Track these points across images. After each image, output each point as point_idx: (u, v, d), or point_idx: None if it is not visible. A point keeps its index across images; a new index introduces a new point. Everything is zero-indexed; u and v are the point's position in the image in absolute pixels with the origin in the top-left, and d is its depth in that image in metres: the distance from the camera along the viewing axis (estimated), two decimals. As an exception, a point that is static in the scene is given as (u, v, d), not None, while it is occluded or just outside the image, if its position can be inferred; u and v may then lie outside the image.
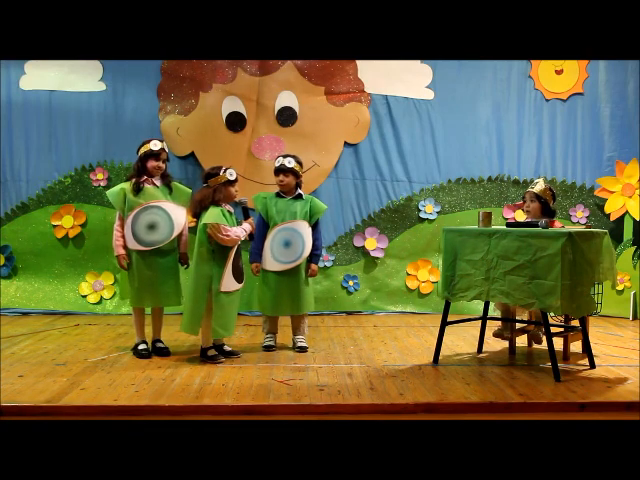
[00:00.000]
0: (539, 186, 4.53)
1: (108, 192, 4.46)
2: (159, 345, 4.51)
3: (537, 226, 4.01)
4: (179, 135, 6.29)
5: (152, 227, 4.34)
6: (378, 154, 6.48)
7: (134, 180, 4.36)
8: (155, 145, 4.34)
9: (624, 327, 5.68)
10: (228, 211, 4.28)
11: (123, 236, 4.35)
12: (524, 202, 4.61)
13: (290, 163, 4.56)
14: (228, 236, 4.13)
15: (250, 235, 4.37)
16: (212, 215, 4.14)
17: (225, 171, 4.22)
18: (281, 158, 4.60)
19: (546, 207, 4.52)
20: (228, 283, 4.20)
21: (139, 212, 4.32)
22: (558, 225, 4.52)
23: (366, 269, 6.48)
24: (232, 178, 4.23)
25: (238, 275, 4.27)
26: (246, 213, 4.37)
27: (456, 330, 5.19)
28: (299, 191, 4.67)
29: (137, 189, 4.33)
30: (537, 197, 4.51)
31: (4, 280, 6.22)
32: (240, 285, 4.31)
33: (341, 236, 6.49)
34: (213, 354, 4.29)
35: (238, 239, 4.21)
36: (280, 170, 4.58)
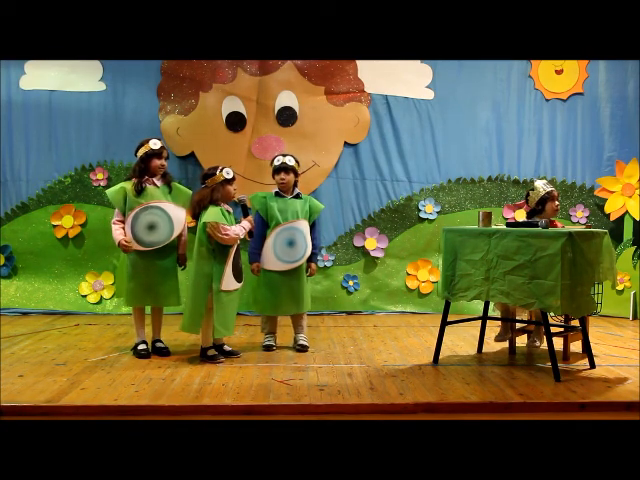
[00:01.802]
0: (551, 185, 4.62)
1: (108, 191, 4.45)
2: (159, 345, 4.51)
3: (537, 226, 4.01)
4: (179, 135, 6.29)
5: (152, 227, 4.34)
6: (378, 154, 6.48)
7: (136, 180, 4.35)
8: (155, 144, 4.34)
9: (624, 327, 5.68)
10: (227, 210, 4.28)
11: (123, 228, 4.33)
12: (548, 200, 4.52)
13: (290, 161, 4.57)
14: (227, 235, 4.14)
15: (250, 233, 4.37)
16: (211, 214, 4.14)
17: (222, 170, 4.23)
18: (281, 157, 4.61)
19: None
20: (228, 282, 4.21)
21: (139, 212, 4.32)
22: (558, 225, 4.52)
23: (366, 269, 6.49)
24: (229, 177, 4.23)
25: (238, 274, 4.28)
26: (245, 211, 4.37)
27: (456, 330, 5.19)
28: (297, 190, 4.67)
29: (139, 189, 4.33)
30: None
31: (4, 280, 6.22)
32: (239, 284, 4.31)
33: (341, 236, 6.49)
34: (213, 354, 4.29)
35: (237, 237, 4.22)
36: (281, 169, 4.57)
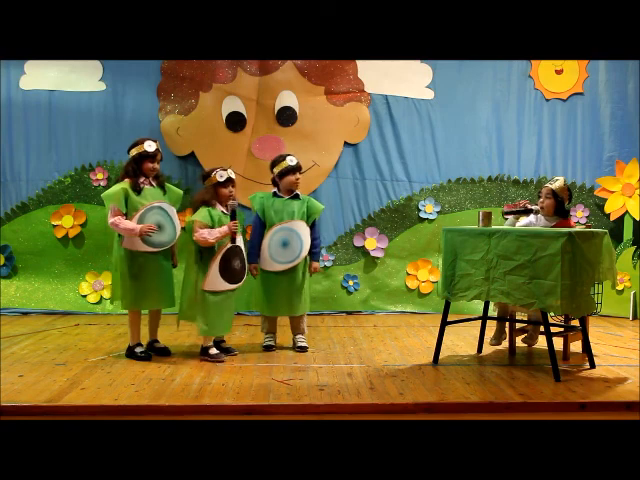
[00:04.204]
0: (558, 183, 4.40)
1: (107, 193, 4.26)
2: (158, 345, 4.50)
3: (530, 211, 4.04)
4: (179, 135, 6.29)
5: (160, 228, 4.26)
6: (378, 154, 6.48)
7: (133, 180, 4.24)
8: (150, 146, 4.23)
9: (624, 327, 5.68)
10: (222, 212, 4.27)
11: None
12: (538, 198, 4.46)
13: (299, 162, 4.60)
14: (201, 235, 4.13)
15: (232, 239, 4.26)
16: (198, 213, 4.21)
17: (216, 173, 4.23)
18: (293, 157, 4.57)
19: (561, 206, 4.41)
20: (214, 282, 4.20)
21: (144, 213, 4.22)
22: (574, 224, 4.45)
23: (366, 269, 6.49)
24: (221, 180, 4.23)
25: (231, 276, 4.25)
26: (233, 216, 4.32)
27: (456, 330, 5.19)
28: (296, 191, 4.66)
29: (138, 190, 4.25)
30: (554, 194, 4.37)
31: (4, 280, 6.22)
32: (232, 286, 4.28)
33: (341, 236, 6.49)
34: (215, 353, 4.29)
35: (207, 240, 4.14)
36: (297, 169, 4.56)
